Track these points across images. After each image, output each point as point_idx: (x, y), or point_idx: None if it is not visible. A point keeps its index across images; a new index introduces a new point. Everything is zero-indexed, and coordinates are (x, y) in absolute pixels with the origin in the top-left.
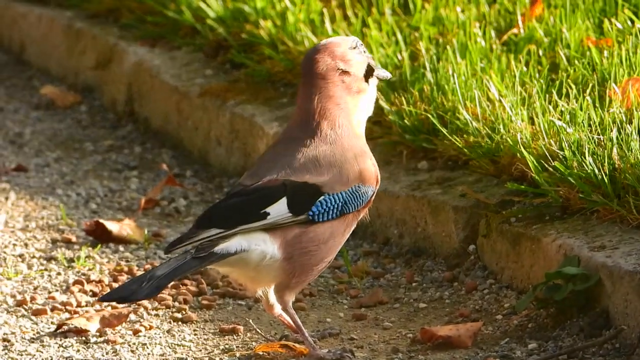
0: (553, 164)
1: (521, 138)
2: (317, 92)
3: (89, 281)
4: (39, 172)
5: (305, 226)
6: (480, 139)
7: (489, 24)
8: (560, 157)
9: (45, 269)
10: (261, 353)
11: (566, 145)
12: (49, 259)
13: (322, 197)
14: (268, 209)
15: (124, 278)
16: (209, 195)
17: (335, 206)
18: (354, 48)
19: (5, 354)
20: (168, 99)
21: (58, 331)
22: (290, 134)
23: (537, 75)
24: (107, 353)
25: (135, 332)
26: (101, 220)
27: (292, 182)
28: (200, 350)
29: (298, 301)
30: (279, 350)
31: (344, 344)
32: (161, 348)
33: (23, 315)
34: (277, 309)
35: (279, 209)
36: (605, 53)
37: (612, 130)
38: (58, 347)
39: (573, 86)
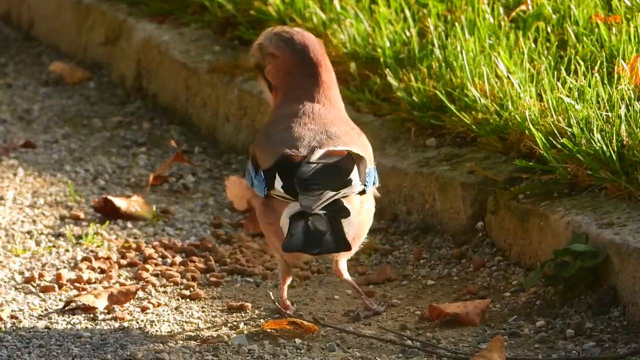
0: (561, 140)
1: (529, 115)
2: (318, 73)
3: (97, 258)
4: (47, 149)
5: (360, 196)
6: (488, 115)
7: (497, 0)
8: (569, 134)
9: (54, 246)
10: (269, 330)
11: (574, 122)
12: (57, 236)
13: (368, 169)
14: (351, 176)
15: (132, 255)
16: (217, 171)
17: (373, 180)
18: None
19: (14, 330)
20: (177, 75)
21: (66, 308)
22: (298, 110)
23: (545, 52)
24: (115, 330)
25: (144, 309)
26: (109, 197)
27: (355, 153)
28: (209, 327)
29: (306, 278)
30: (287, 327)
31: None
32: (169, 325)
33: (31, 292)
34: (346, 273)
35: (355, 178)
36: (614, 30)
37: (620, 107)
38: (66, 324)
39: (581, 63)
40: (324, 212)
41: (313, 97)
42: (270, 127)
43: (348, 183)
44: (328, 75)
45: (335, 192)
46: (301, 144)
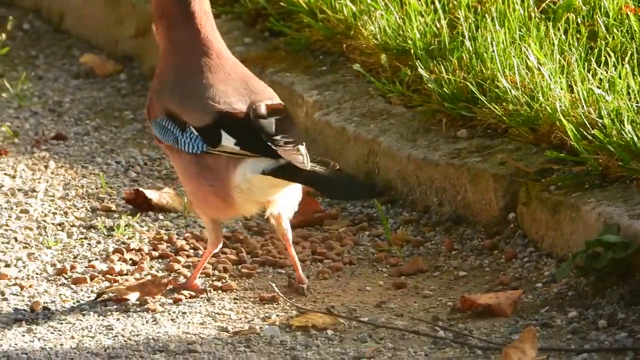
0: (592, 132)
1: (560, 106)
2: (204, 26)
3: (128, 250)
4: (79, 141)
5: None
6: (519, 107)
7: None
8: (599, 125)
9: (85, 238)
10: (299, 324)
11: (605, 113)
12: (89, 228)
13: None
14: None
15: (163, 247)
16: None
17: None
18: None
19: (45, 322)
20: None
21: (98, 300)
22: (199, 65)
23: (575, 43)
24: (147, 322)
25: (176, 301)
26: (141, 189)
27: (284, 105)
28: (240, 319)
29: (338, 269)
30: (319, 320)
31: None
32: (201, 317)
33: (63, 284)
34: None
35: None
36: None
37: None
38: (98, 316)
39: (612, 54)
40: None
41: (211, 49)
42: (180, 81)
43: (303, 135)
44: (210, 23)
45: (304, 146)
46: (234, 100)
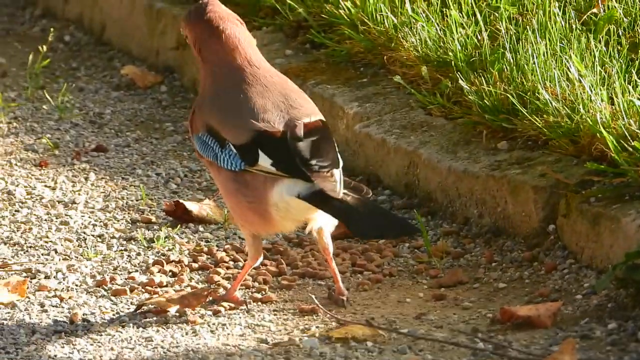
0: (632, 143)
1: (601, 118)
2: (238, 37)
3: (168, 261)
4: (119, 153)
5: None
6: (559, 118)
7: (569, 3)
8: None
9: (125, 250)
10: (339, 336)
11: None
12: (129, 240)
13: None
14: (336, 149)
15: (203, 258)
16: None
17: None
18: None
19: (85, 334)
20: None
21: (137, 311)
22: (237, 78)
23: (616, 55)
24: (186, 333)
25: (215, 313)
26: (181, 201)
27: (324, 121)
28: (280, 330)
29: (378, 281)
30: (359, 331)
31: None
32: (241, 328)
33: (103, 296)
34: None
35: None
36: None
37: None
38: (137, 328)
39: None
40: (344, 191)
41: (248, 61)
42: (220, 96)
43: (338, 159)
44: (242, 35)
45: (339, 171)
46: (272, 117)
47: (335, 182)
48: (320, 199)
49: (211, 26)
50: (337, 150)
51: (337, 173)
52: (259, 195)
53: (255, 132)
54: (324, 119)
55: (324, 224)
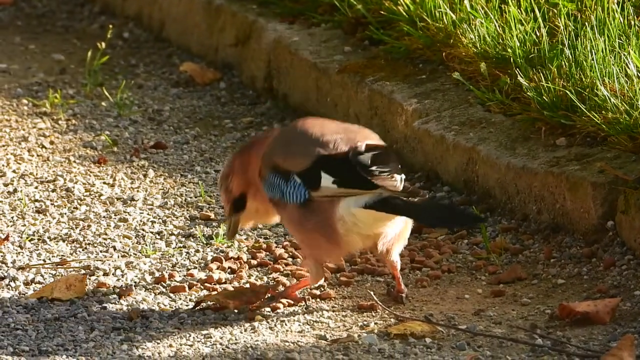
0: None
1: None
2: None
3: (227, 258)
4: (178, 149)
5: None
6: (618, 115)
7: (627, 0)
8: None
9: (184, 246)
10: (397, 332)
11: None
12: (188, 236)
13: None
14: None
15: (262, 255)
16: None
17: None
18: None
19: (144, 330)
20: (307, 75)
21: (196, 308)
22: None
23: None
24: (245, 330)
25: (274, 309)
26: None
27: (385, 145)
28: (339, 327)
29: (437, 277)
30: (417, 328)
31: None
32: (299, 325)
33: (161, 293)
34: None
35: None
36: None
37: None
38: (196, 324)
39: None
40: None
41: None
42: (282, 139)
43: (400, 168)
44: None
45: (400, 176)
46: (333, 142)
47: (397, 181)
48: (389, 205)
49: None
50: (399, 163)
51: (399, 177)
52: (326, 215)
53: (317, 155)
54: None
55: (394, 240)
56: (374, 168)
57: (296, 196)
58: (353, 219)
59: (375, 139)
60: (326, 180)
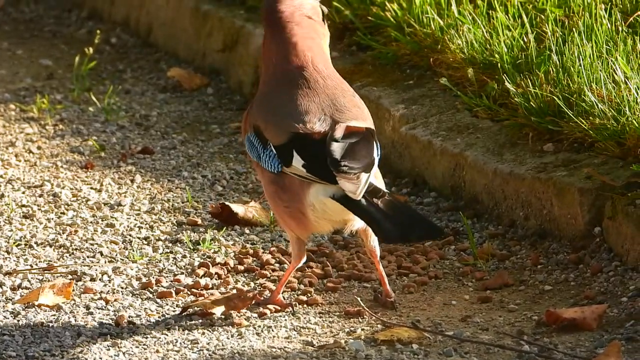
0: None
1: None
2: (298, 37)
3: (214, 264)
4: (165, 155)
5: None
6: (606, 121)
7: (615, 5)
8: None
9: (171, 252)
10: (384, 338)
11: None
12: (175, 242)
13: (374, 142)
14: (374, 155)
15: (249, 261)
16: None
17: (379, 150)
18: None
19: (130, 336)
20: None
21: (183, 314)
22: (293, 77)
23: None
24: (232, 336)
25: (261, 315)
26: (227, 203)
27: (371, 129)
28: (325, 333)
29: (424, 283)
30: (404, 334)
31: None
32: (286, 331)
33: (148, 298)
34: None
35: (376, 156)
36: None
37: None
38: (183, 330)
39: None
40: (365, 194)
41: (303, 62)
42: (269, 96)
43: (372, 163)
44: (304, 36)
45: (367, 175)
46: (312, 119)
47: (358, 185)
48: (351, 203)
49: (273, 25)
50: (375, 155)
51: (364, 177)
52: (296, 197)
53: (293, 133)
54: (372, 126)
55: (365, 226)
56: (343, 163)
57: (271, 165)
58: (323, 206)
59: (362, 118)
60: (297, 161)
